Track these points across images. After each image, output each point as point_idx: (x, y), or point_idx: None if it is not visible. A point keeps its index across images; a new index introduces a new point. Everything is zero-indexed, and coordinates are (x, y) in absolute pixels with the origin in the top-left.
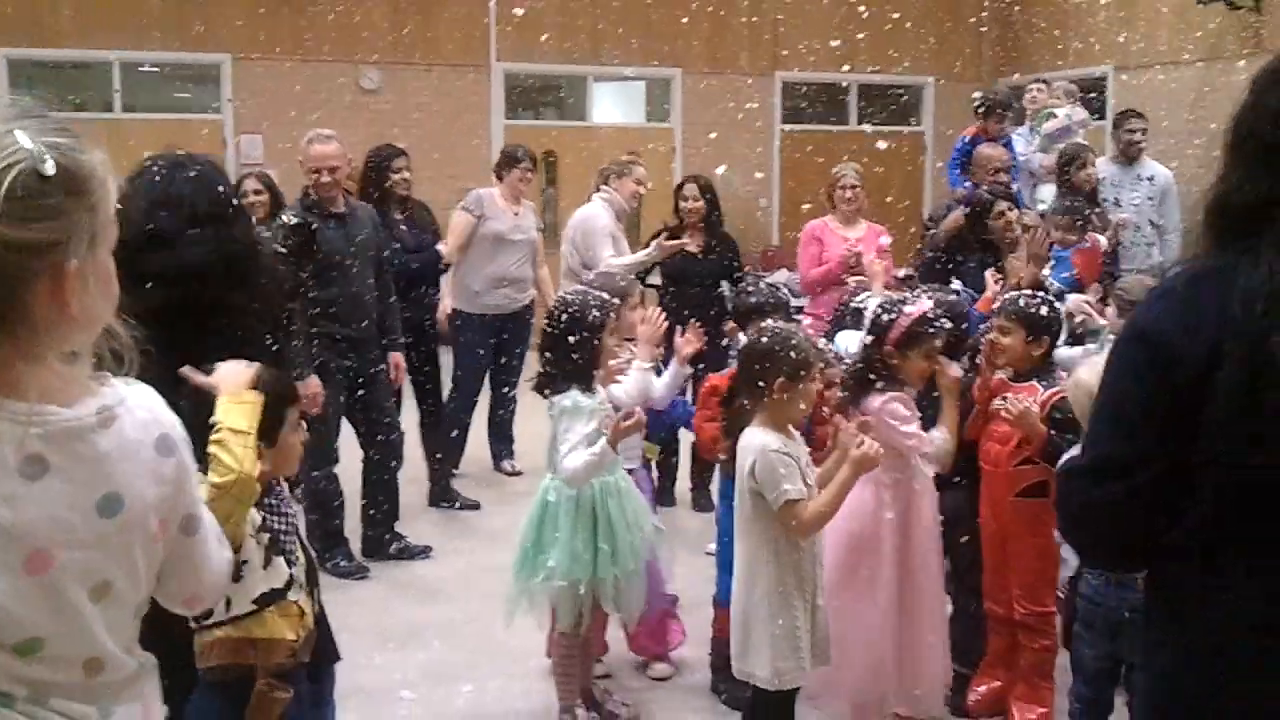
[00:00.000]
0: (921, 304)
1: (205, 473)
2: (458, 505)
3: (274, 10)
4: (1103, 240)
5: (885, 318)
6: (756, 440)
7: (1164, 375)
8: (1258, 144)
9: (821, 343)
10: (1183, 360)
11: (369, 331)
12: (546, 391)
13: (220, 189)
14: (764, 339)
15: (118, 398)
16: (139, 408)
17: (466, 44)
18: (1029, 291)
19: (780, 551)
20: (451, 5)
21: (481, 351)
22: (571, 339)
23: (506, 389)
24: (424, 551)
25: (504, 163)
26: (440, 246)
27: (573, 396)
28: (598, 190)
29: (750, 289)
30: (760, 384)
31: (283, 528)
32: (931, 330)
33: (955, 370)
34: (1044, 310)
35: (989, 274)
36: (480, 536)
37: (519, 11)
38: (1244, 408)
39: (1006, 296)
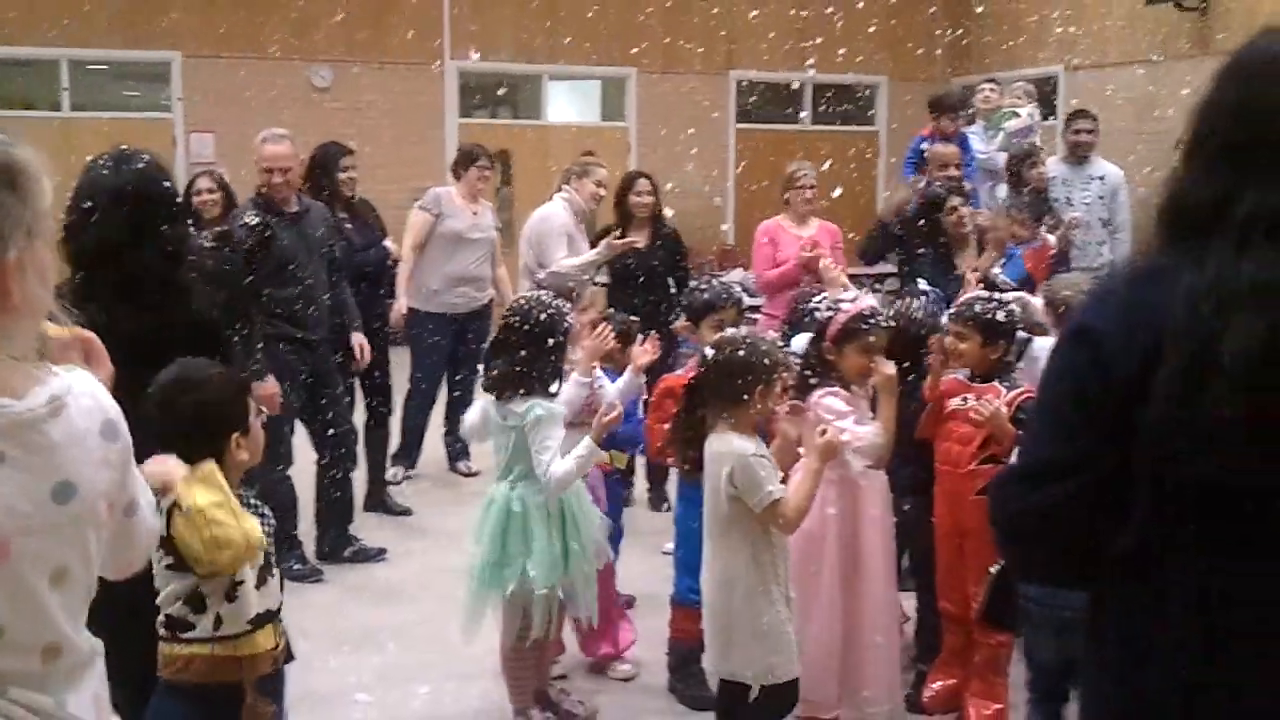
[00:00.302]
0: (861, 301)
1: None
2: (395, 512)
3: (224, 7)
4: (1051, 240)
5: (826, 315)
6: (732, 447)
7: (1104, 375)
8: (1217, 141)
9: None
10: (1123, 360)
11: (323, 331)
12: (505, 395)
13: (165, 184)
14: (738, 350)
15: (64, 386)
16: (83, 395)
17: (420, 42)
18: (984, 295)
19: (759, 551)
20: (405, 3)
21: (440, 351)
22: (536, 345)
23: (465, 389)
24: (379, 554)
25: (462, 161)
26: (389, 244)
27: (544, 405)
28: (559, 190)
29: (703, 287)
30: (744, 395)
31: (269, 531)
32: (867, 326)
33: (890, 368)
34: (1000, 315)
35: (970, 275)
36: (435, 538)
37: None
38: (1184, 409)
39: (961, 302)
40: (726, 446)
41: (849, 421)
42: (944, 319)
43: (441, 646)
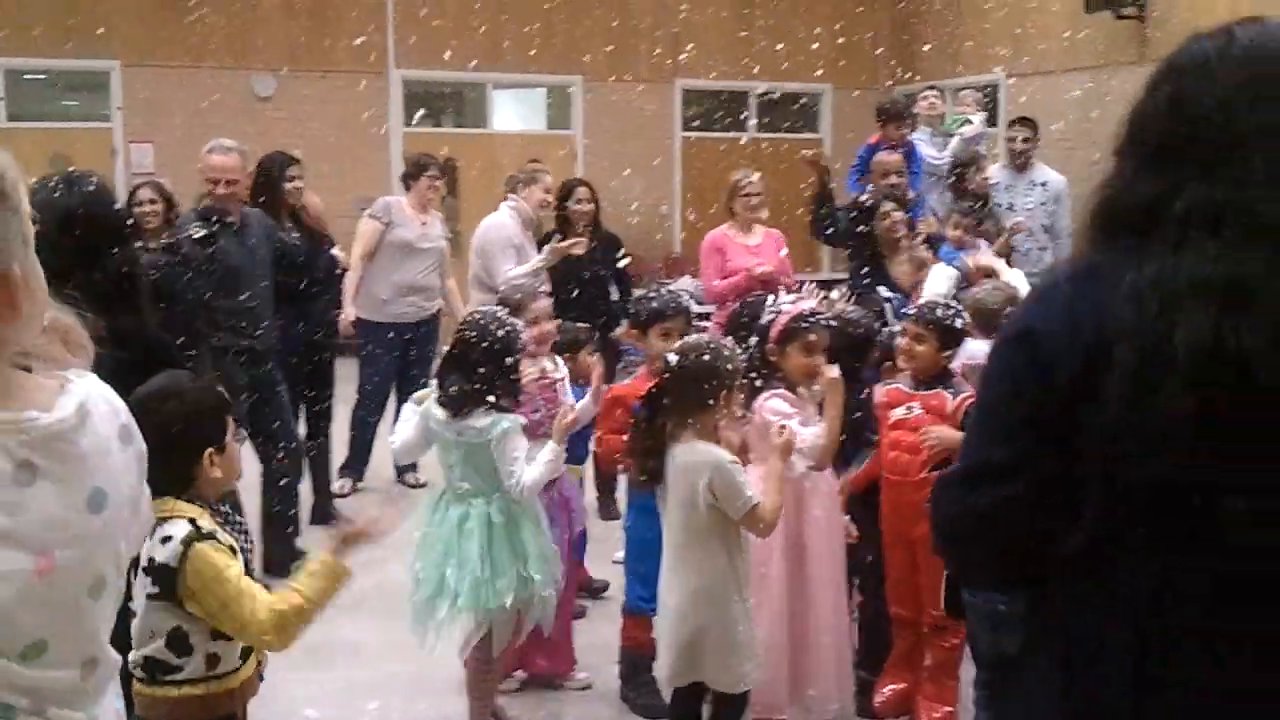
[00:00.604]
0: (802, 302)
1: None
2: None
3: (164, 15)
4: (982, 245)
5: (768, 318)
6: (708, 456)
7: (1044, 376)
8: (1151, 142)
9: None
10: (1063, 360)
11: (268, 342)
12: (464, 411)
13: (115, 207)
14: (702, 356)
15: (85, 393)
16: (100, 400)
17: (364, 50)
18: (941, 300)
19: (734, 558)
20: (348, 11)
21: (388, 361)
22: (496, 361)
23: (410, 399)
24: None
25: (412, 171)
26: (336, 252)
27: (509, 418)
28: (505, 199)
29: (652, 295)
30: (709, 401)
31: (249, 546)
32: (807, 325)
33: (834, 370)
34: (957, 321)
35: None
36: (382, 551)
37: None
38: (1135, 410)
39: (921, 304)
40: (700, 455)
41: (793, 423)
42: (898, 323)
43: (392, 662)
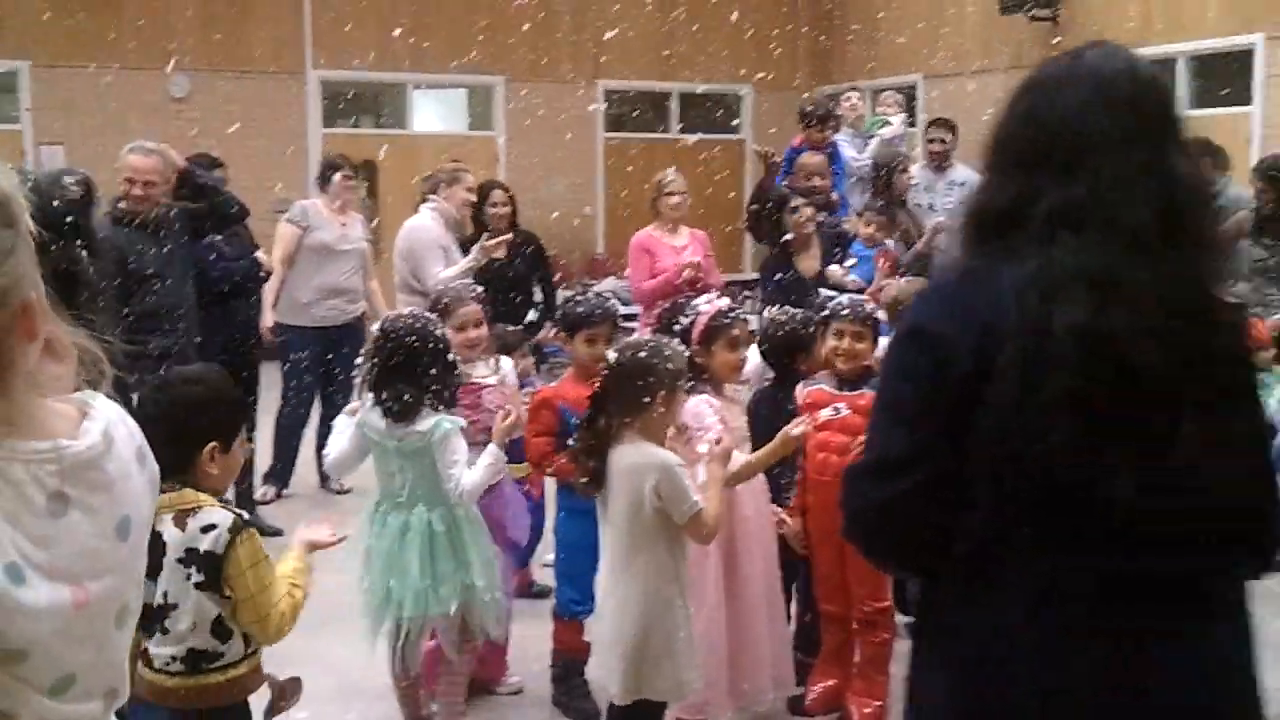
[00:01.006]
0: (716, 302)
1: None
2: (265, 533)
3: (75, 13)
4: (890, 245)
5: (686, 321)
6: (654, 457)
7: (939, 371)
8: (1009, 153)
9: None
10: (957, 355)
11: (188, 345)
12: (409, 417)
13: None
14: (639, 354)
15: (106, 418)
16: (119, 423)
17: (281, 50)
18: (864, 296)
19: (678, 562)
20: (264, 10)
21: (312, 365)
22: (440, 364)
23: (337, 405)
24: None
25: (325, 172)
26: (260, 255)
27: (450, 419)
28: (425, 200)
29: (579, 299)
30: (646, 400)
31: None
32: (729, 321)
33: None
34: (881, 314)
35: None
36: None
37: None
38: (1022, 407)
39: (853, 300)
40: (647, 457)
41: (715, 428)
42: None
43: (321, 670)
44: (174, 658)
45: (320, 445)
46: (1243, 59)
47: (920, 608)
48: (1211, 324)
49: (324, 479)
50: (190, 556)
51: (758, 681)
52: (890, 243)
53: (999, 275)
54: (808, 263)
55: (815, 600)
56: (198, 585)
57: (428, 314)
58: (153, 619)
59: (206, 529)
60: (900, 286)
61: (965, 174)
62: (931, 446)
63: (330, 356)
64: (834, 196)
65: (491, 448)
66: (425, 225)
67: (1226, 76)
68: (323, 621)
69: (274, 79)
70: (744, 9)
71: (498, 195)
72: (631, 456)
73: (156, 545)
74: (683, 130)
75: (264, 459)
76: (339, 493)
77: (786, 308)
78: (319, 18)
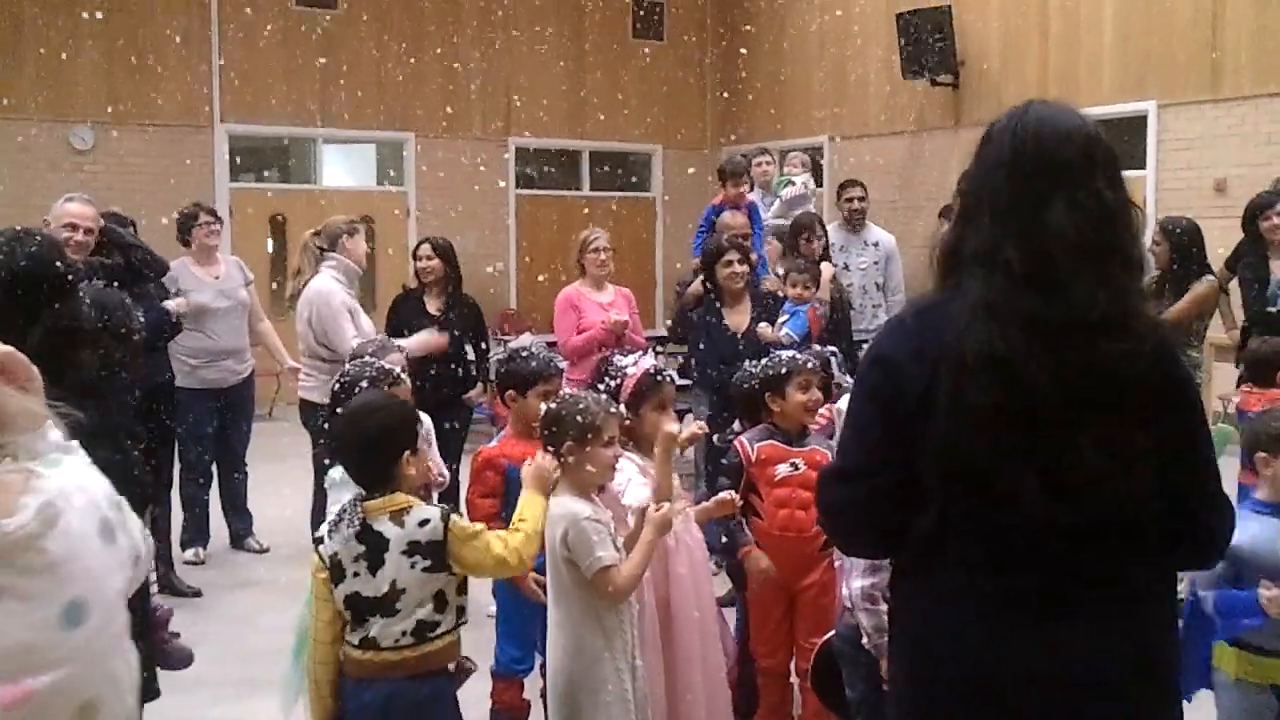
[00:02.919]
0: (643, 362)
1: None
2: (184, 594)
3: None
4: (817, 302)
5: (611, 383)
6: (566, 509)
7: (894, 394)
8: (961, 198)
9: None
10: (910, 380)
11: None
12: (325, 462)
13: (58, 264)
14: (554, 405)
15: (55, 489)
16: (76, 492)
17: (188, 103)
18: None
19: (603, 617)
20: (171, 62)
21: (207, 427)
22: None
23: (235, 463)
24: (171, 638)
25: (182, 226)
26: (169, 304)
27: (337, 470)
28: (322, 257)
29: (525, 355)
30: (553, 450)
31: None
32: (657, 381)
33: (672, 427)
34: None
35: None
36: (229, 621)
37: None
38: (953, 417)
39: (814, 351)
40: (560, 508)
41: (640, 487)
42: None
43: None
44: (404, 632)
45: (226, 505)
46: (1137, 125)
47: (890, 605)
48: (1098, 352)
49: (235, 538)
50: (413, 548)
51: None
52: (818, 302)
53: (948, 308)
54: (737, 318)
55: (753, 658)
56: (425, 570)
57: (369, 364)
58: (381, 605)
59: (423, 524)
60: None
61: (878, 234)
62: (886, 458)
63: (223, 417)
64: (753, 256)
65: None
66: (328, 289)
67: (1121, 141)
68: (243, 682)
69: (180, 132)
70: (653, 70)
71: (423, 249)
72: (553, 508)
73: (380, 542)
74: (594, 188)
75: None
76: (259, 551)
77: (749, 363)
78: (227, 71)
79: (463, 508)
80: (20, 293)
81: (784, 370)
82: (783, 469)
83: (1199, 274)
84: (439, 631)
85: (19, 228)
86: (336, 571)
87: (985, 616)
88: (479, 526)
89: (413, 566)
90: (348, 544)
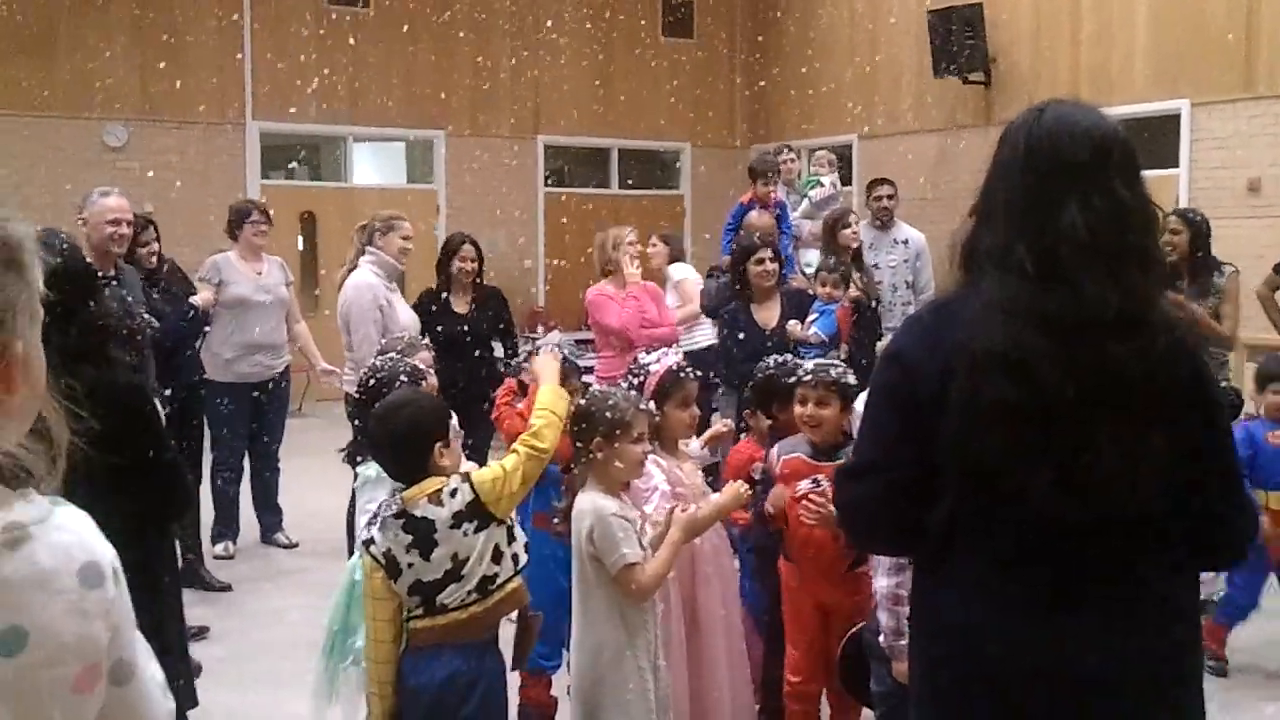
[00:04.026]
0: (666, 359)
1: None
2: (214, 589)
3: (7, 58)
4: (848, 301)
5: (635, 380)
6: (592, 504)
7: (910, 391)
8: (986, 202)
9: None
10: (926, 377)
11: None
12: (357, 460)
13: (89, 263)
14: (584, 401)
15: (36, 515)
16: (62, 529)
17: (220, 101)
18: (835, 362)
19: (626, 615)
20: (204, 60)
21: (240, 423)
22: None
23: (267, 460)
24: (200, 633)
25: (233, 221)
26: (195, 299)
27: (374, 465)
28: (362, 252)
29: (565, 351)
30: (580, 447)
31: None
32: (682, 377)
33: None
34: (852, 379)
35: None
36: (257, 615)
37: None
38: (967, 413)
39: (817, 365)
40: (586, 503)
41: (662, 499)
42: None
43: None
44: (469, 591)
45: (257, 500)
46: (1170, 123)
47: (911, 604)
48: (1110, 352)
49: (265, 533)
50: (458, 519)
51: None
52: (848, 300)
53: (965, 304)
54: (766, 315)
55: (782, 681)
56: (476, 530)
57: (401, 360)
58: (448, 581)
59: (453, 494)
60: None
61: (907, 232)
62: (901, 454)
63: (257, 411)
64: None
65: None
66: (366, 283)
67: (1154, 140)
68: (268, 677)
69: (212, 129)
70: (682, 66)
71: (467, 250)
72: (580, 502)
73: (427, 526)
74: (622, 186)
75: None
76: (287, 546)
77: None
78: (259, 68)
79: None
80: (53, 294)
81: (788, 379)
82: (804, 485)
83: (1218, 264)
84: (499, 583)
85: (42, 228)
86: (392, 567)
87: (992, 612)
88: (495, 468)
89: (465, 534)
90: (397, 537)
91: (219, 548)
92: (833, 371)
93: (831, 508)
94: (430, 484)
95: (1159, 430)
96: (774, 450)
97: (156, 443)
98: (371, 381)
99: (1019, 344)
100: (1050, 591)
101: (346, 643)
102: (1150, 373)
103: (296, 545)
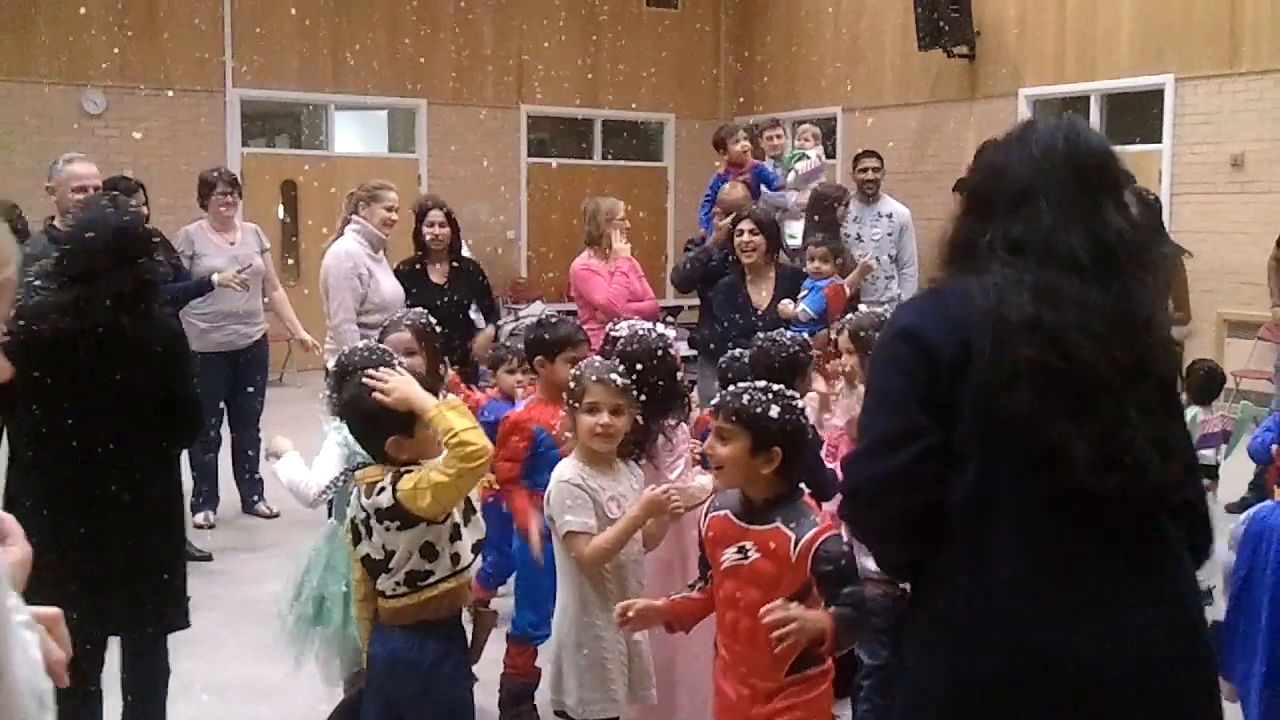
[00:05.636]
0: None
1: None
2: (195, 558)
3: None
4: (837, 277)
5: (609, 350)
6: (559, 469)
7: (927, 363)
8: (970, 196)
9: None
10: (942, 350)
11: None
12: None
13: (146, 226)
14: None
15: None
16: None
17: (201, 68)
18: (761, 384)
19: (583, 580)
20: (184, 27)
21: (216, 392)
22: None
23: (246, 429)
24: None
25: (201, 191)
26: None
27: (334, 426)
28: (348, 221)
29: (554, 322)
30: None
31: None
32: (580, 338)
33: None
34: (776, 410)
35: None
36: (239, 584)
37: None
38: (995, 372)
39: (731, 392)
40: (557, 471)
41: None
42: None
43: (252, 695)
44: (397, 583)
45: (237, 470)
46: (1154, 98)
47: (913, 590)
48: (1144, 344)
49: (246, 503)
50: (380, 515)
51: (694, 704)
52: (837, 276)
53: (967, 286)
54: (759, 292)
55: None
56: (399, 529)
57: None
58: (379, 566)
59: (380, 492)
60: (859, 315)
61: (892, 205)
62: (922, 424)
63: (235, 381)
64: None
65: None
66: (347, 251)
67: (1138, 115)
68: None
69: (193, 96)
70: (667, 38)
71: (434, 215)
72: (555, 469)
73: (366, 513)
74: (605, 156)
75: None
76: (268, 516)
77: (776, 334)
78: (240, 36)
79: None
80: (118, 245)
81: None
82: (730, 555)
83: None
84: (432, 580)
85: (114, 192)
86: (355, 534)
87: (1035, 595)
88: (418, 474)
89: (388, 530)
90: (357, 511)
91: (199, 517)
92: (744, 399)
93: (795, 619)
94: (372, 473)
95: (1177, 418)
96: (702, 513)
97: (188, 380)
98: (340, 371)
99: (1052, 317)
100: (1092, 566)
101: (311, 603)
102: (1170, 365)
103: (277, 515)
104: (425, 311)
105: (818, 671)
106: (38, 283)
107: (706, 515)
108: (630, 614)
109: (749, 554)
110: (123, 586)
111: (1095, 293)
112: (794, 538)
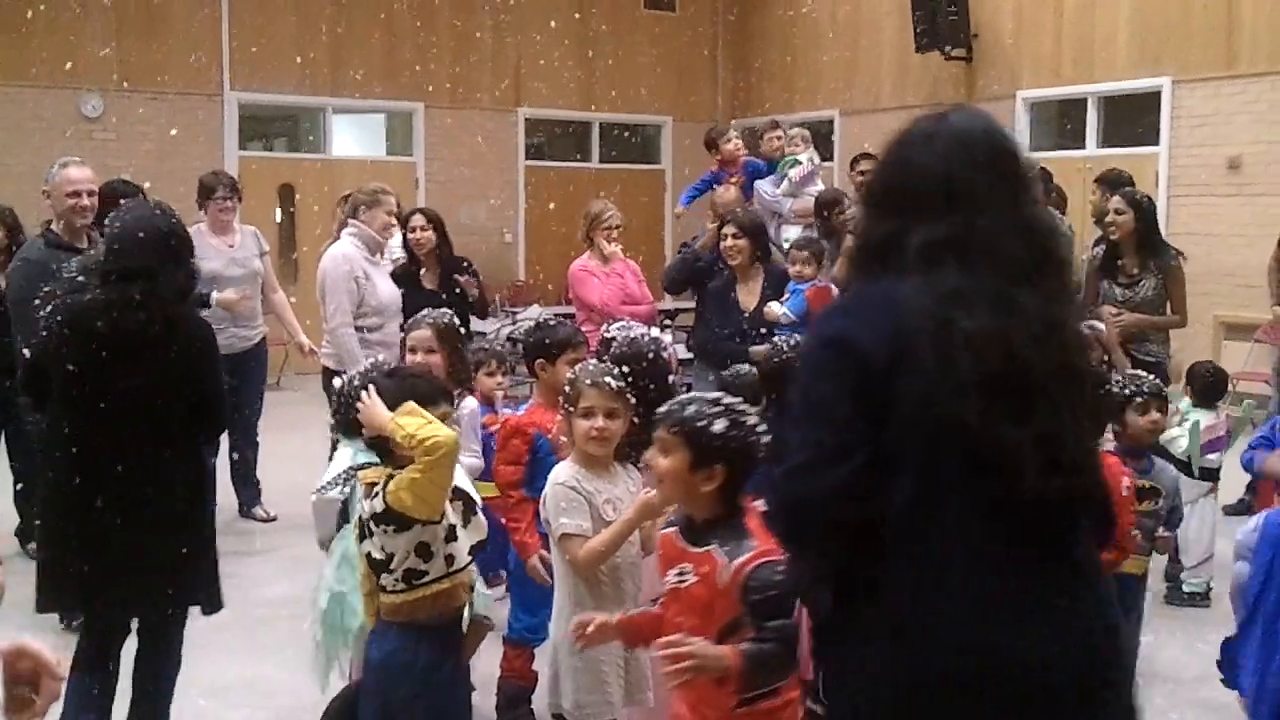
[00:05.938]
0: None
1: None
2: None
3: None
4: (820, 280)
5: (605, 354)
6: (555, 472)
7: (858, 370)
8: (879, 196)
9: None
10: (872, 356)
11: None
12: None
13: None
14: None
15: None
16: None
17: (198, 71)
18: (713, 395)
19: (577, 582)
20: (182, 30)
21: None
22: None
23: (244, 432)
24: None
25: (201, 195)
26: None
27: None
28: (346, 224)
29: (553, 325)
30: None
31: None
32: (579, 341)
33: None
34: (720, 426)
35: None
36: (234, 590)
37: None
38: (940, 384)
39: (675, 401)
40: (554, 473)
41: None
42: None
43: (257, 699)
44: (396, 579)
45: (234, 475)
46: (1151, 100)
47: (838, 593)
48: (1066, 344)
49: (243, 507)
50: (377, 518)
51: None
52: (820, 279)
53: (895, 291)
54: (747, 295)
55: None
56: (395, 531)
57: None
58: (382, 566)
59: (375, 496)
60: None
61: None
62: (861, 434)
63: (232, 385)
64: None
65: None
66: (343, 255)
67: (1135, 117)
68: (252, 648)
69: (190, 100)
70: (664, 41)
71: (416, 219)
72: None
73: (367, 515)
74: (603, 160)
75: None
76: (265, 520)
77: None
78: (238, 39)
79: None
80: (174, 245)
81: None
82: (671, 577)
83: (1167, 247)
84: (427, 579)
85: (159, 199)
86: (361, 532)
87: (977, 597)
88: (404, 475)
89: (385, 532)
90: (362, 510)
91: None
92: (689, 410)
93: (691, 654)
94: (372, 475)
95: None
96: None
97: (218, 375)
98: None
99: (1005, 327)
100: (1033, 568)
101: (344, 619)
102: (1085, 363)
103: (274, 519)
104: (450, 312)
105: (771, 705)
106: (80, 278)
107: (661, 529)
108: (589, 630)
109: (687, 577)
110: (149, 572)
111: (1029, 294)
112: (726, 558)
